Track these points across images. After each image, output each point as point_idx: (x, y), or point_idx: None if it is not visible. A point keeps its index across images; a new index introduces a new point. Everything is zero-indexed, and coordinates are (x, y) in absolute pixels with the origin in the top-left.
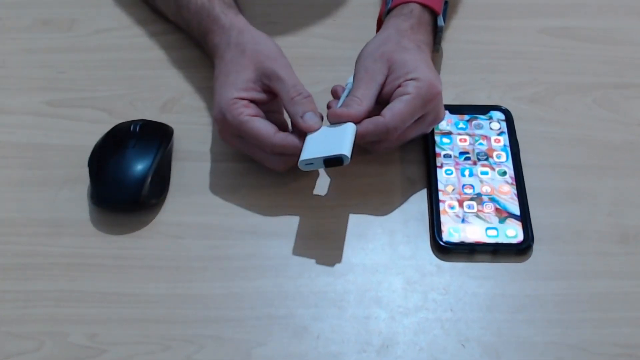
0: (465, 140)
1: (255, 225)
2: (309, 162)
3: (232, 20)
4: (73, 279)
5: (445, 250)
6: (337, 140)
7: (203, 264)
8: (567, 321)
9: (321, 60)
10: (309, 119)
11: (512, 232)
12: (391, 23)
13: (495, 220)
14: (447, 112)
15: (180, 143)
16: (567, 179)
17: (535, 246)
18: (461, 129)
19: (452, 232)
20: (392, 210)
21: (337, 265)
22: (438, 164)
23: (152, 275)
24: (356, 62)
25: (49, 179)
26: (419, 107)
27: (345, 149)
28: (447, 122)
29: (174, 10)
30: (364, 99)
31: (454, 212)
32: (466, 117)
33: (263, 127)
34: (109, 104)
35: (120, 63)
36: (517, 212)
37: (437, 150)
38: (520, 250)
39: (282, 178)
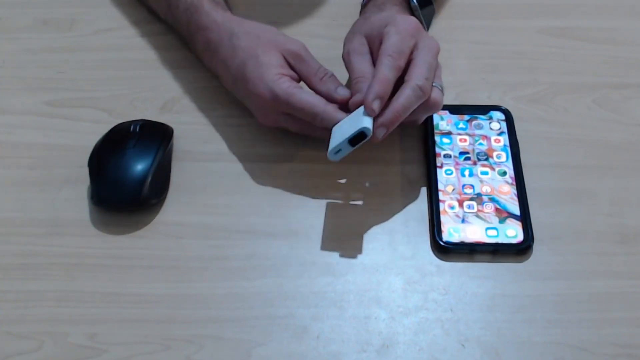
0: (465, 140)
1: (255, 225)
2: (337, 149)
3: (224, 16)
4: (73, 279)
5: (445, 250)
6: (356, 120)
7: (203, 264)
8: (567, 321)
9: (321, 60)
10: (344, 92)
11: (512, 232)
12: (364, 12)
13: (495, 220)
14: (447, 112)
15: (180, 143)
16: (567, 179)
17: (535, 246)
18: (461, 129)
19: (452, 232)
20: (392, 210)
21: (337, 265)
22: (438, 164)
23: (152, 275)
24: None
25: (49, 179)
26: (402, 40)
27: (365, 122)
28: (447, 122)
29: (165, 9)
30: (365, 74)
31: (454, 212)
32: (466, 117)
33: (314, 97)
34: (109, 104)
35: (120, 63)
36: (517, 212)
37: (437, 150)
38: (520, 250)
39: (282, 178)
